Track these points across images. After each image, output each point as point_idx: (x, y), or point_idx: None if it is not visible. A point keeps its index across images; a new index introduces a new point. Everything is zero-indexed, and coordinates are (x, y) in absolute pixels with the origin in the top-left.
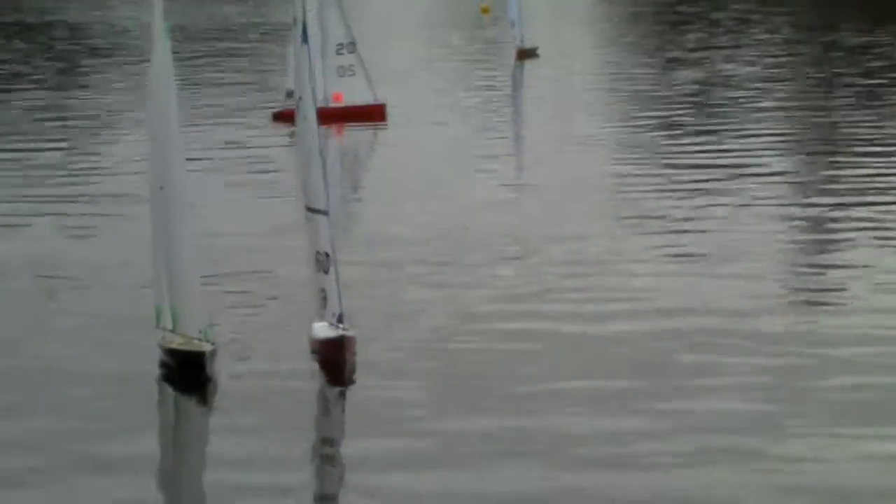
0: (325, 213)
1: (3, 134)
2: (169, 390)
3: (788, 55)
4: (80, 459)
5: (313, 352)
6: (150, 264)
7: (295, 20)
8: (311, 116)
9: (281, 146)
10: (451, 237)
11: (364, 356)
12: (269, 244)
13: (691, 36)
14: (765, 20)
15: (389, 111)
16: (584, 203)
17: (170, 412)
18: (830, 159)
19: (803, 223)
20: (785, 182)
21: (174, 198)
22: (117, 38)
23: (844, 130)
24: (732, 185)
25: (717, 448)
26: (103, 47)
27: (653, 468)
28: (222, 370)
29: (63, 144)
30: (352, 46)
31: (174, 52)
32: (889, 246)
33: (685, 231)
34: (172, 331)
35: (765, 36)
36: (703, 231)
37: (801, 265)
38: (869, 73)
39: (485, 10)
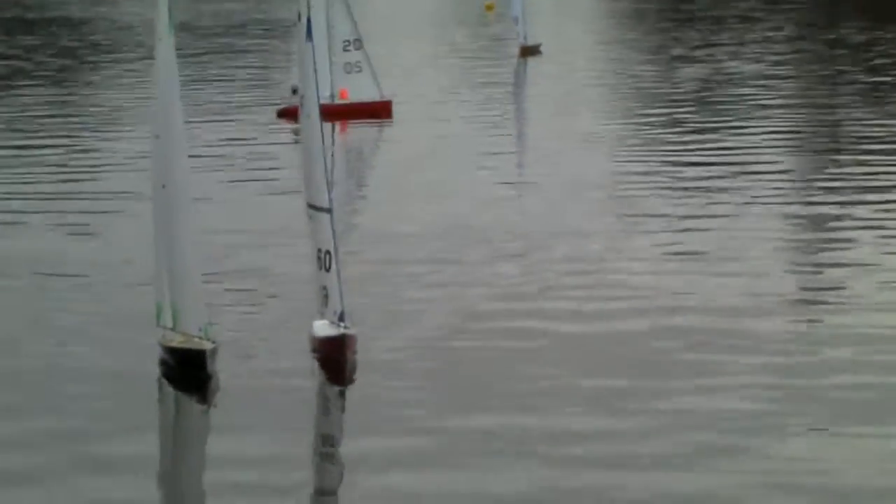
0: (328, 210)
1: (4, 130)
2: (169, 389)
3: (792, 52)
4: (80, 459)
5: (314, 350)
6: (151, 262)
7: (299, 16)
8: (315, 113)
9: (285, 143)
10: (452, 234)
11: (365, 355)
12: (271, 242)
13: (694, 33)
14: (768, 17)
15: (394, 108)
16: (585, 200)
17: (170, 411)
18: (833, 157)
19: (805, 221)
20: (787, 179)
21: (176, 196)
22: (120, 35)
23: (848, 128)
24: (735, 182)
25: (717, 448)
26: (106, 44)
27: (653, 468)
28: (223, 369)
29: (65, 141)
30: (358, 43)
31: (178, 49)
32: (892, 244)
33: (687, 229)
34: (173, 329)
35: (768, 33)
36: (705, 229)
37: (803, 263)
38: (872, 71)
39: (489, 8)
